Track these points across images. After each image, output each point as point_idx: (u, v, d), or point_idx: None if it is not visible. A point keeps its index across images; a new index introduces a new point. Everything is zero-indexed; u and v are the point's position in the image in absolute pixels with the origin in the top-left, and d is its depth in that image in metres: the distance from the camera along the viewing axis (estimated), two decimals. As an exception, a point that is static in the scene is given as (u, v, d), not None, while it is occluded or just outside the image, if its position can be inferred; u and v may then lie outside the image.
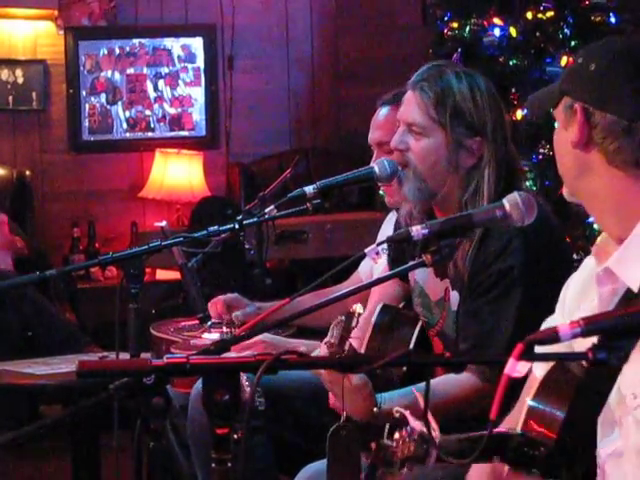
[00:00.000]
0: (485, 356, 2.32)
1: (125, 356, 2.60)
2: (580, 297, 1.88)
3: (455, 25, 5.00)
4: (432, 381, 1.92)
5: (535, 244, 2.32)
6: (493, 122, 2.46)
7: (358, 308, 2.14)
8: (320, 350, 2.29)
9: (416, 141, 2.45)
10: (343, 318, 2.12)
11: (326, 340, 2.16)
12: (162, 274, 6.04)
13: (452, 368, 1.81)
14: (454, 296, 2.46)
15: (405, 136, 2.47)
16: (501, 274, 2.34)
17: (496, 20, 4.86)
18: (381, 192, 3.01)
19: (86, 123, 6.58)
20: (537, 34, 4.82)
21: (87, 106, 6.58)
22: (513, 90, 4.81)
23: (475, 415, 2.25)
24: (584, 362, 1.41)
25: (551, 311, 2.27)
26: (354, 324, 2.11)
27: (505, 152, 2.47)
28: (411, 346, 2.47)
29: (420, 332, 2.53)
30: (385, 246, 2.66)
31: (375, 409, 2.22)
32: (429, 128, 2.43)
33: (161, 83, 6.69)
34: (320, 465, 2.49)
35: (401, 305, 2.77)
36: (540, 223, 2.38)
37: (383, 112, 3.03)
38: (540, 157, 4.69)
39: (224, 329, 3.11)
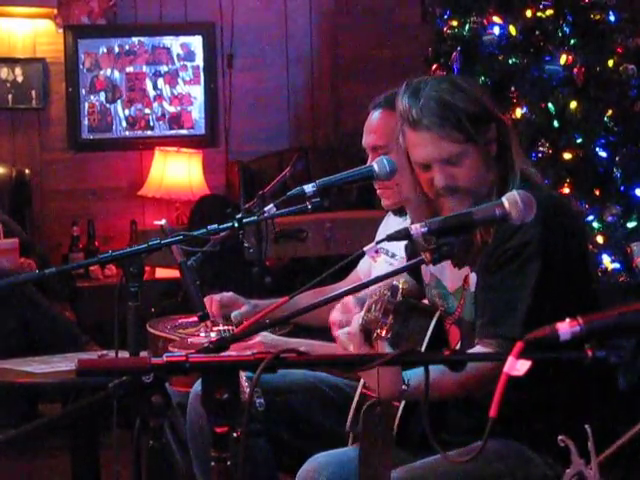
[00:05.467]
0: (501, 330, 2.30)
1: (124, 354, 2.59)
2: None
3: (454, 23, 5.00)
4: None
5: (551, 220, 2.31)
6: (488, 100, 2.46)
7: (402, 283, 2.11)
8: (353, 324, 2.24)
9: (458, 168, 2.41)
10: (387, 292, 2.09)
11: (364, 315, 2.12)
12: (161, 272, 6.04)
13: (451, 366, 1.79)
14: (473, 278, 2.45)
15: (446, 170, 2.42)
16: (518, 248, 2.33)
17: (495, 18, 4.86)
18: (378, 193, 3.01)
19: (85, 121, 6.58)
20: (536, 32, 4.82)
21: (86, 104, 6.58)
22: (512, 89, 4.81)
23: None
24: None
25: (567, 286, 2.26)
26: (399, 298, 2.08)
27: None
28: (427, 338, 2.46)
29: (437, 323, 2.51)
30: (386, 244, 2.66)
31: (404, 387, 2.21)
32: (463, 151, 2.40)
33: (160, 81, 6.69)
34: (327, 456, 2.49)
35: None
36: (554, 202, 2.40)
37: (376, 115, 3.02)
38: (539, 156, 4.69)
39: (222, 327, 3.12)
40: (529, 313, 2.31)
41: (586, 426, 1.66)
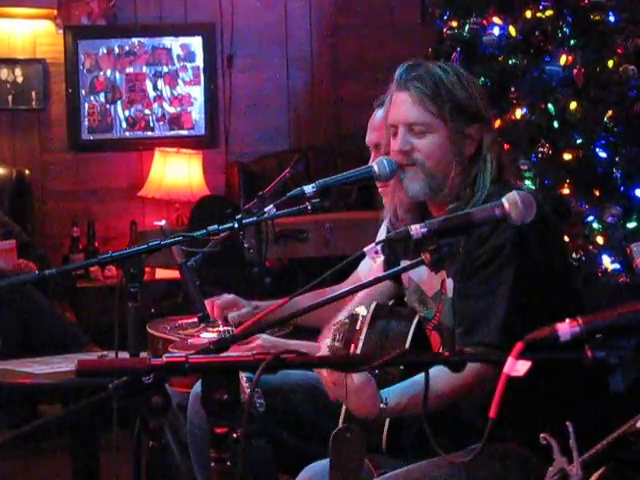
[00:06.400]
0: (479, 336, 2.30)
1: (124, 355, 2.59)
2: None
3: (454, 24, 5.01)
4: (431, 369, 1.91)
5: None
6: (484, 105, 2.47)
7: (361, 311, 2.13)
8: (322, 349, 2.27)
9: (420, 139, 2.44)
10: (347, 321, 2.11)
11: (330, 344, 2.14)
12: (161, 273, 6.04)
13: (451, 367, 1.79)
14: (450, 283, 2.45)
15: (407, 137, 2.45)
16: (492, 252, 2.32)
17: (495, 19, 4.86)
18: (380, 191, 3.01)
19: (85, 122, 6.58)
20: (536, 33, 4.82)
21: (86, 105, 6.58)
22: (512, 89, 4.81)
23: (477, 400, 2.24)
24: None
25: (546, 287, 2.25)
26: (358, 327, 2.10)
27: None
28: (408, 343, 2.46)
29: (417, 328, 2.51)
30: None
31: (382, 405, 2.21)
32: (431, 124, 2.43)
33: (160, 82, 6.69)
34: (322, 465, 2.49)
35: (390, 303, 2.76)
36: None
37: (380, 114, 3.03)
38: (539, 156, 4.69)
39: (221, 328, 3.11)
40: (507, 317, 2.29)
41: (567, 423, 1.66)
